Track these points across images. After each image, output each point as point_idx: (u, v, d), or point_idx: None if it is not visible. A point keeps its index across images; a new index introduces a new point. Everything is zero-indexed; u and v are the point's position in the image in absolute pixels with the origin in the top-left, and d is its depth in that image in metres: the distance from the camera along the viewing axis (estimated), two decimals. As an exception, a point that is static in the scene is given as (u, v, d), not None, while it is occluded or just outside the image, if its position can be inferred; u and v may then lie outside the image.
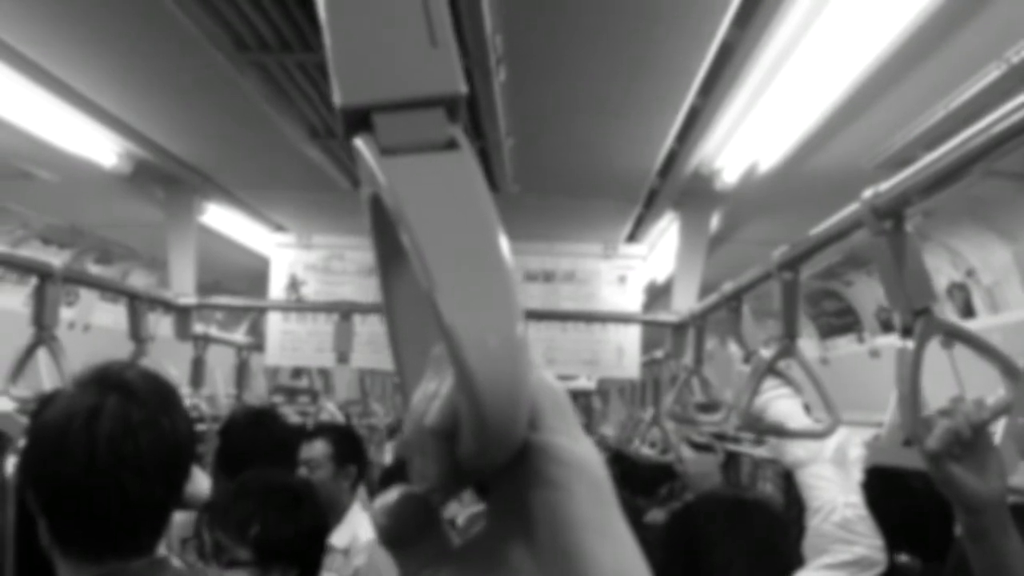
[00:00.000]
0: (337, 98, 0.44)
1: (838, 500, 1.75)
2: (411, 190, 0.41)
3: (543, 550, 0.39)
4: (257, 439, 2.78)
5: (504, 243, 0.40)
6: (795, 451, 1.87)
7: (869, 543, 1.73)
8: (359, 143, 0.44)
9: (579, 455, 0.40)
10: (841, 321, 4.61)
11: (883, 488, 2.03)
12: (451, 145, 0.44)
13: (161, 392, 1.32)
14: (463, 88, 0.46)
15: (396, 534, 0.42)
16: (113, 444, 1.21)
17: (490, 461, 0.39)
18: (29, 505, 1.27)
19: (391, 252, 0.46)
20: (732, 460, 4.78)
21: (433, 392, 0.40)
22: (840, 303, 4.51)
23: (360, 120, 0.44)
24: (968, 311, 3.36)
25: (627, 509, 0.41)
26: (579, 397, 9.44)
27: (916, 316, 1.14)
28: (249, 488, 1.95)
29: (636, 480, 3.49)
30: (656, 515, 3.25)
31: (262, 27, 1.81)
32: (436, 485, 0.41)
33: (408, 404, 0.44)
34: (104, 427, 1.21)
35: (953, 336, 1.16)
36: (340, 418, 4.67)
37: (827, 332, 4.80)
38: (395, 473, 4.43)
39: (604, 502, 0.40)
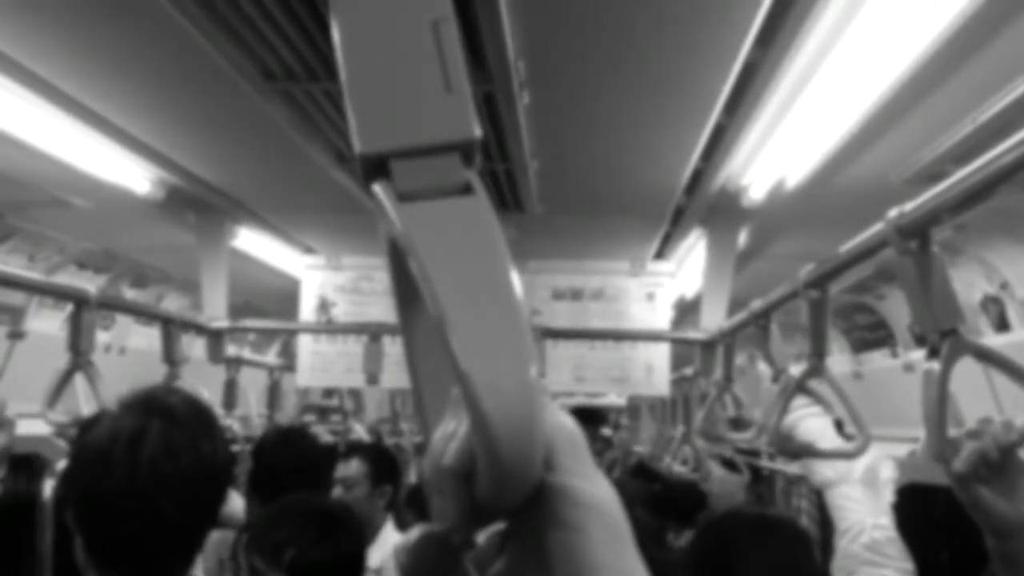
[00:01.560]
0: (356, 146, 0.45)
1: (867, 522, 1.73)
2: (427, 235, 0.42)
3: None
4: (287, 458, 2.81)
5: (517, 287, 0.41)
6: (824, 471, 1.85)
7: (898, 566, 1.70)
8: (378, 189, 0.45)
9: (595, 496, 0.40)
10: (874, 335, 4.56)
11: (918, 505, 2.00)
12: (466, 190, 0.45)
13: (202, 417, 1.35)
14: (478, 133, 0.47)
15: (417, 573, 0.43)
16: (155, 467, 1.24)
17: (506, 501, 0.40)
18: (68, 523, 1.30)
19: (410, 293, 0.47)
20: (766, 477, 4.72)
21: (451, 432, 0.41)
22: (873, 317, 4.45)
23: (379, 166, 0.45)
24: (1003, 324, 3.31)
25: (648, 531, 0.41)
26: (611, 413, 9.40)
27: (943, 337, 1.13)
28: (287, 512, 1.95)
29: (671, 504, 3.46)
30: (688, 537, 3.22)
31: (288, 57, 1.85)
32: (455, 524, 0.42)
33: (428, 440, 0.44)
34: (147, 450, 1.24)
35: (980, 357, 1.15)
36: (367, 438, 4.70)
37: (860, 346, 4.74)
38: (421, 492, 4.44)
39: (620, 543, 0.41)
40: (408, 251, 0.42)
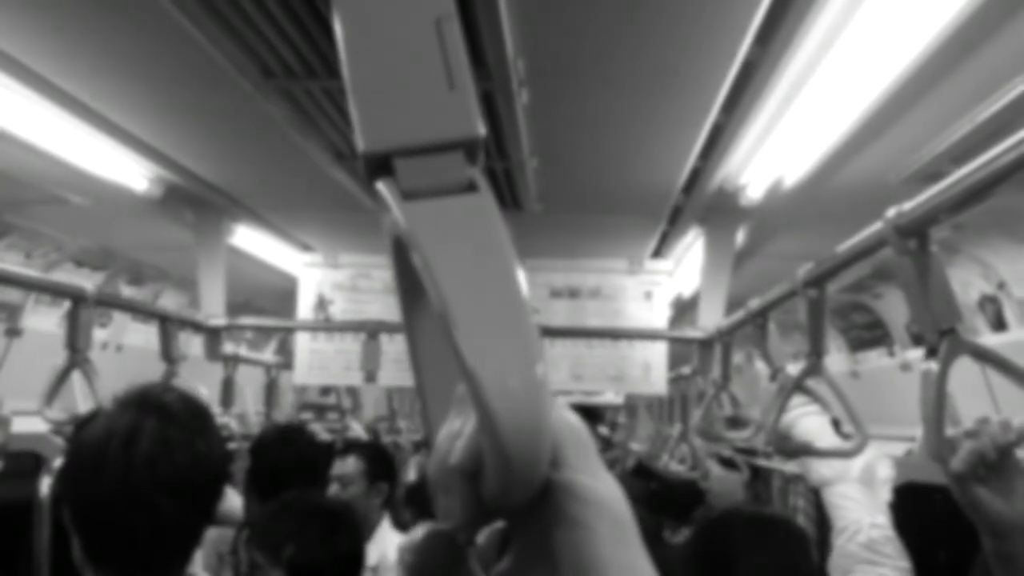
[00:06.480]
0: (359, 145, 0.45)
1: (864, 521, 1.73)
2: (431, 234, 0.42)
3: None
4: (284, 456, 2.82)
5: (523, 285, 0.41)
6: (820, 470, 1.85)
7: (895, 564, 1.71)
8: (381, 187, 0.45)
9: (601, 493, 0.40)
10: (871, 334, 4.57)
11: (915, 504, 2.00)
12: (470, 187, 0.45)
13: (198, 415, 1.35)
14: (481, 131, 0.47)
15: (423, 572, 0.43)
16: (150, 465, 1.23)
17: (513, 499, 0.40)
18: (64, 522, 1.30)
19: (414, 291, 0.46)
20: (763, 476, 4.73)
21: (457, 431, 0.41)
22: (870, 316, 4.46)
23: (382, 164, 0.45)
24: (1000, 324, 3.31)
25: (645, 528, 0.41)
26: (608, 411, 9.40)
27: (941, 336, 1.13)
28: (288, 509, 1.96)
29: (669, 502, 3.46)
30: (686, 534, 3.22)
31: (287, 54, 1.84)
32: (461, 523, 0.42)
33: (432, 438, 0.44)
34: (142, 448, 1.24)
35: (979, 357, 1.15)
36: (365, 436, 4.70)
37: (857, 345, 4.75)
38: (418, 490, 4.44)
39: (626, 540, 0.41)
40: (412, 249, 0.42)
